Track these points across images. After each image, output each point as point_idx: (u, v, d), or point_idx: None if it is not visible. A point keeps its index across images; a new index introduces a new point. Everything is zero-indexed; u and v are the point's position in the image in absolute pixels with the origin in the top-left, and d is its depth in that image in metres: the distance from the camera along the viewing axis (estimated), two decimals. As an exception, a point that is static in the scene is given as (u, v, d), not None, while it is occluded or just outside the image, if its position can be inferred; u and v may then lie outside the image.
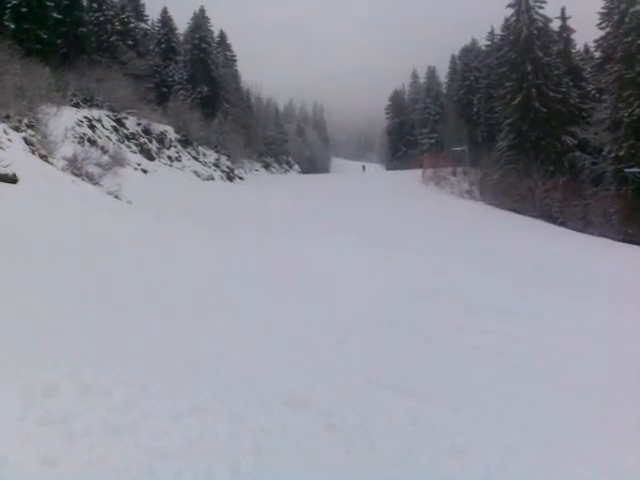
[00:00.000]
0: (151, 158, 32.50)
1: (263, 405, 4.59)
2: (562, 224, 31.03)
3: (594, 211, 31.08)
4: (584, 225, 30.36)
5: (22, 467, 3.43)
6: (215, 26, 56.65)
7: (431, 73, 75.49)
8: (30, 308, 6.26)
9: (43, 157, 17.71)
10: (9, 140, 16.05)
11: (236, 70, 62.05)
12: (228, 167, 43.51)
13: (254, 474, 3.67)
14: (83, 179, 18.84)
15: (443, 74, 70.40)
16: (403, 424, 4.51)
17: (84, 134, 26.13)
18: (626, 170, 30.46)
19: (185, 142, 39.28)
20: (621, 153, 31.56)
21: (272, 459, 3.84)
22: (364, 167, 75.67)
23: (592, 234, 28.59)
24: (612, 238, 27.59)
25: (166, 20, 52.61)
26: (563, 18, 43.30)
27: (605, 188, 33.19)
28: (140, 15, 50.23)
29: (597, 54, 42.75)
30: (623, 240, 26.97)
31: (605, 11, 38.92)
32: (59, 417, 3.96)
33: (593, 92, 40.45)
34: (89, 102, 31.11)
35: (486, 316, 9.06)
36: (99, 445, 3.75)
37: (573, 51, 44.45)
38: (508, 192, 34.99)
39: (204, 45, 51.54)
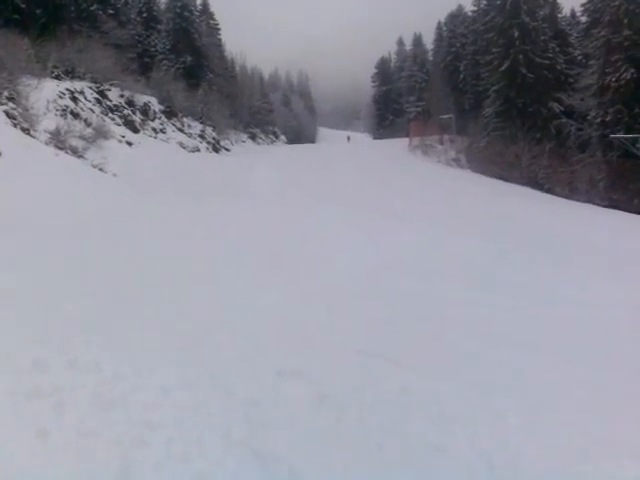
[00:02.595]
0: (135, 130, 32.10)
1: (254, 377, 4.62)
2: (548, 191, 31.19)
3: (580, 177, 31.20)
4: (570, 191, 30.52)
5: (14, 440, 3.45)
6: (197, -6, 55.58)
7: (417, 40, 74.70)
8: (17, 285, 6.23)
9: (25, 130, 17.47)
10: (-10, 113, 15.82)
11: (219, 39, 61.00)
12: (214, 138, 43.09)
13: (246, 443, 3.71)
14: (67, 152, 18.63)
15: (429, 41, 69.72)
16: (392, 393, 4.57)
17: (66, 106, 25.70)
18: (612, 136, 30.53)
19: (169, 113, 38.80)
20: (607, 118, 31.55)
21: (264, 429, 3.89)
22: (349, 137, 75.41)
23: (578, 200, 28.77)
24: (598, 204, 27.79)
25: (147, -12, 51.49)
26: (549, -18, 42.95)
27: (591, 154, 33.23)
28: (120, -17, 49.08)
29: (583, 19, 42.46)
30: (608, 206, 27.18)
31: (592, -26, 38.64)
32: (49, 391, 3.98)
33: (579, 58, 40.27)
34: (70, 74, 30.53)
35: (476, 286, 9.10)
36: (90, 418, 3.78)
37: (559, 16, 44.12)
38: (495, 159, 35.04)
39: (186, 14, 50.57)
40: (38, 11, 33.81)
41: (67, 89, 27.52)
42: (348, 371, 4.91)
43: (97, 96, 30.90)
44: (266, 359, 5.01)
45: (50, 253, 8.04)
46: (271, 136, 70.38)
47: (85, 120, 25.26)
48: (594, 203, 27.97)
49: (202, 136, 41.28)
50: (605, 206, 27.24)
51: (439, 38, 64.32)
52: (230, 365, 4.83)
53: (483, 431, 4.11)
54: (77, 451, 3.46)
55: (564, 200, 28.57)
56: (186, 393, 4.26)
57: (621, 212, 25.17)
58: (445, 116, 45.24)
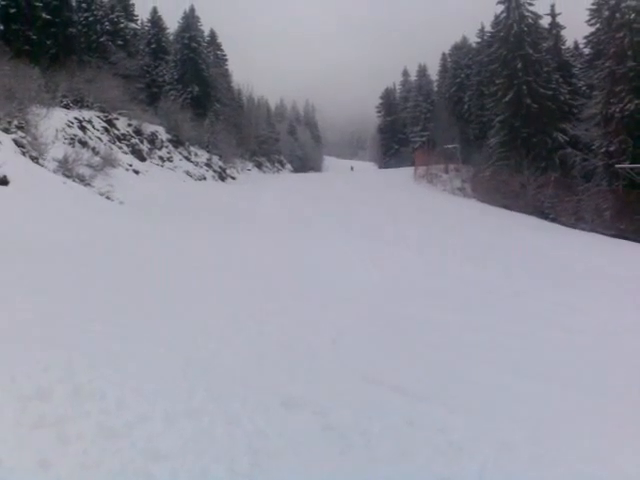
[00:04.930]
0: (142, 159, 32.39)
1: (259, 406, 4.57)
2: (554, 220, 31.15)
3: (585, 207, 31.19)
4: (575, 221, 30.48)
5: (17, 471, 3.40)
6: (205, 25, 56.56)
7: (422, 71, 75.46)
8: (23, 310, 6.21)
9: (34, 159, 17.64)
10: (-1, 142, 15.98)
11: (227, 69, 61.89)
12: (220, 167, 43.41)
13: (250, 475, 3.65)
14: (74, 180, 18.78)
15: (434, 72, 70.36)
16: (399, 423, 4.51)
17: (75, 135, 26.00)
18: (617, 166, 30.57)
19: (176, 142, 39.17)
20: (612, 148, 31.65)
21: (268, 460, 3.83)
22: (352, 167, 75.93)
23: (584, 229, 28.70)
24: (603, 233, 27.70)
25: (156, 20, 52.40)
26: (553, 15, 43.42)
27: (596, 184, 33.27)
28: (130, 15, 49.95)
29: (587, 50, 42.89)
30: (615, 235, 27.08)
31: (594, 7, 39.07)
32: (53, 420, 3.93)
33: (583, 88, 40.57)
34: (79, 103, 30.95)
35: (481, 313, 9.07)
36: (94, 448, 3.73)
37: (563, 48, 44.56)
38: (500, 189, 35.10)
39: (194, 45, 51.37)
40: (48, 42, 34.41)
41: (76, 118, 27.88)
42: (354, 400, 4.85)
43: (105, 125, 31.27)
44: (271, 387, 4.96)
45: (55, 278, 8.04)
46: (277, 165, 70.88)
47: (93, 149, 25.52)
48: (599, 232, 27.87)
49: (208, 165, 41.59)
50: (611, 235, 27.15)
51: (444, 69, 64.97)
52: (235, 392, 4.78)
53: (491, 461, 4.04)
54: (80, 482, 3.41)
55: (572, 230, 28.48)
56: (190, 422, 4.20)
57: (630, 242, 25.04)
58: (450, 146, 45.44)
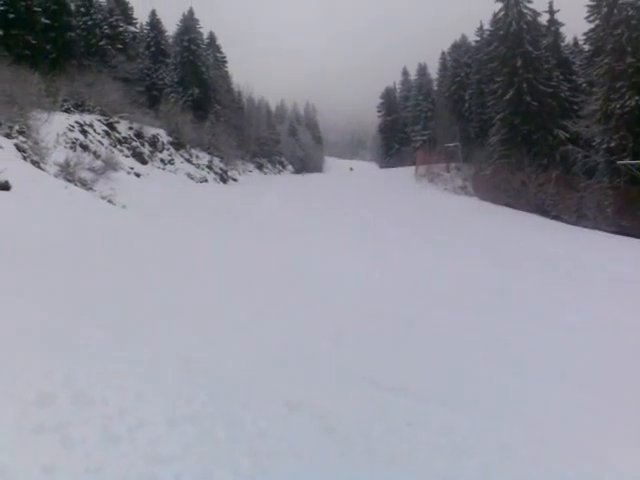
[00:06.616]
0: (144, 162, 32.43)
1: (260, 408, 4.58)
2: (556, 218, 31.10)
3: (587, 204, 31.13)
4: (578, 218, 30.43)
5: (20, 476, 3.42)
6: (204, 27, 56.63)
7: (422, 70, 75.46)
8: (24, 315, 6.23)
9: (35, 163, 17.68)
10: (0, 147, 16.03)
11: (226, 71, 62.00)
12: (221, 169, 43.44)
13: (252, 476, 3.67)
14: (76, 184, 18.81)
15: (434, 71, 70.27)
16: (400, 424, 4.52)
17: (76, 139, 26.04)
18: (619, 162, 30.53)
19: (177, 145, 39.20)
20: (612, 145, 31.61)
21: (270, 462, 3.84)
22: (351, 168, 76.04)
23: (586, 227, 28.65)
24: (606, 230, 27.65)
25: (155, 23, 52.50)
26: (551, 12, 43.30)
27: (598, 180, 33.20)
28: (128, 18, 49.98)
29: (586, 47, 42.79)
30: (617, 232, 27.02)
31: (593, 4, 38.96)
32: (55, 425, 3.94)
33: (583, 85, 40.50)
34: (80, 107, 31.01)
35: (481, 313, 9.06)
36: (97, 452, 3.74)
37: (562, 44, 44.49)
38: (501, 187, 35.07)
39: (194, 47, 51.45)
40: (48, 47, 34.51)
41: (77, 122, 27.92)
42: (355, 401, 4.87)
43: (106, 128, 31.31)
44: (272, 389, 4.97)
45: (57, 283, 8.05)
46: (278, 166, 70.91)
47: (94, 152, 25.56)
48: (602, 230, 27.83)
49: (210, 167, 41.62)
50: (613, 232, 27.10)
51: (443, 68, 64.89)
52: (236, 396, 4.79)
53: (493, 462, 4.05)
54: (83, 487, 3.43)
55: (575, 227, 28.44)
56: (192, 425, 4.21)
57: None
58: (451, 144, 45.42)
